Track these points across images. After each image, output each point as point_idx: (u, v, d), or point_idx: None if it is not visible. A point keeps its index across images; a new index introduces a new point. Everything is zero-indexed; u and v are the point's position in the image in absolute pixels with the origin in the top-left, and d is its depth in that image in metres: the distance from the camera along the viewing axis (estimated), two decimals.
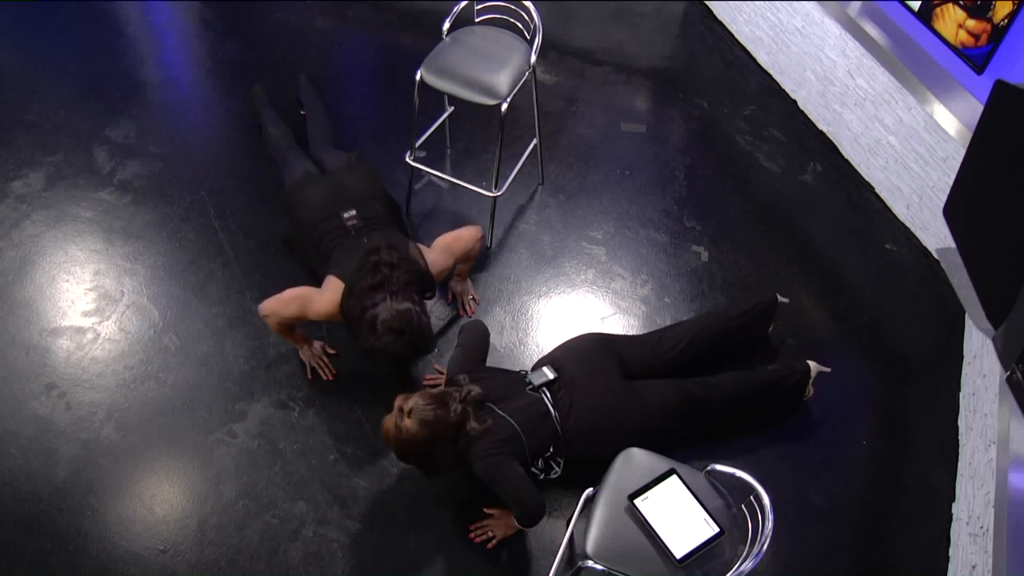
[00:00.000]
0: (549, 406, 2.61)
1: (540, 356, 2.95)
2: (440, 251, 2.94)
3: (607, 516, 2.26)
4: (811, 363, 2.94)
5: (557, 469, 2.66)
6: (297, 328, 2.92)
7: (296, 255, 3.25)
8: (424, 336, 2.68)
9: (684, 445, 2.83)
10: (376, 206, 3.04)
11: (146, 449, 2.80)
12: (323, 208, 2.98)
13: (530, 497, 2.45)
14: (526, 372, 2.74)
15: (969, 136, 2.85)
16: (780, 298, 3.09)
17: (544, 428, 2.58)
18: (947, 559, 2.61)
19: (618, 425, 2.65)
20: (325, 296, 2.78)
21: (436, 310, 3.21)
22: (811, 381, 2.94)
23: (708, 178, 3.76)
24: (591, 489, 2.45)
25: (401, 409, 2.42)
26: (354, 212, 2.95)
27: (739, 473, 2.26)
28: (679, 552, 2.19)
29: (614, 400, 2.67)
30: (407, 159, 3.38)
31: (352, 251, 2.81)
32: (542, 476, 2.64)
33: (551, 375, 2.69)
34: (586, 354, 2.77)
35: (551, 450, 2.60)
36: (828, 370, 2.96)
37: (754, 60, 4.24)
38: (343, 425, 2.89)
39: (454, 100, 3.43)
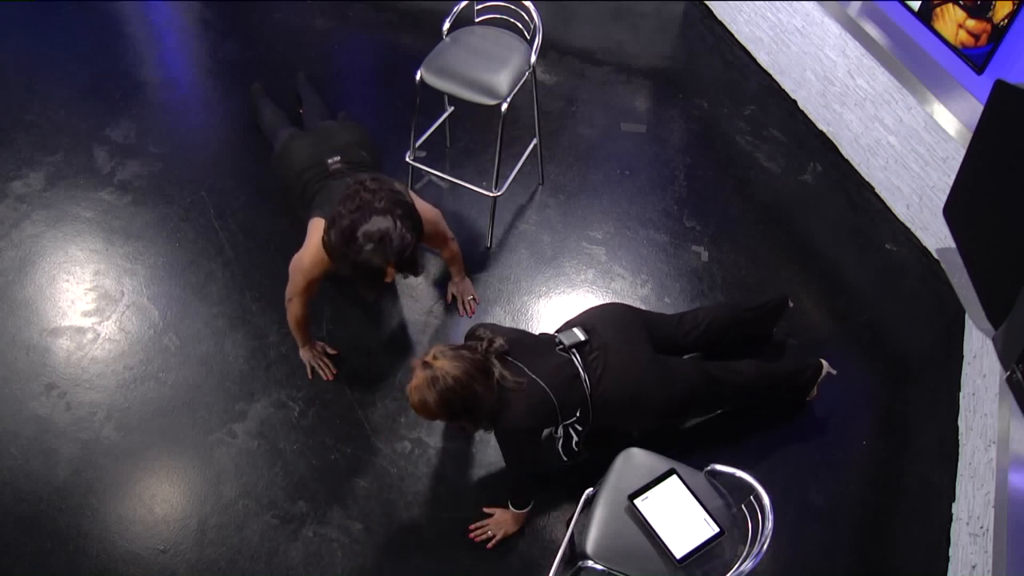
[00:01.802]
0: (579, 368, 2.53)
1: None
2: (429, 207, 2.84)
3: (607, 516, 2.26)
4: (824, 362, 2.95)
5: (575, 437, 2.59)
6: (305, 325, 2.90)
7: (290, 221, 3.09)
8: (406, 245, 2.45)
9: (684, 445, 2.83)
10: (363, 154, 2.95)
11: (146, 449, 2.80)
12: (307, 158, 2.89)
13: (528, 480, 2.54)
14: (554, 334, 2.65)
15: (969, 136, 2.85)
16: (789, 302, 3.11)
17: (573, 392, 2.50)
18: (947, 559, 2.61)
19: (647, 396, 2.60)
20: (311, 241, 2.65)
21: (436, 310, 3.21)
22: (819, 382, 2.95)
23: (708, 178, 3.76)
24: (591, 489, 2.45)
25: (426, 362, 2.29)
26: (338, 158, 2.86)
27: (739, 473, 2.26)
28: (679, 552, 2.19)
29: (647, 370, 2.61)
30: (407, 159, 3.38)
31: (335, 190, 2.67)
32: (560, 443, 2.60)
33: (583, 336, 2.59)
34: (619, 321, 2.69)
35: (577, 415, 2.52)
36: (835, 372, 2.97)
37: (754, 60, 4.24)
38: (343, 425, 2.89)
39: (454, 100, 3.43)
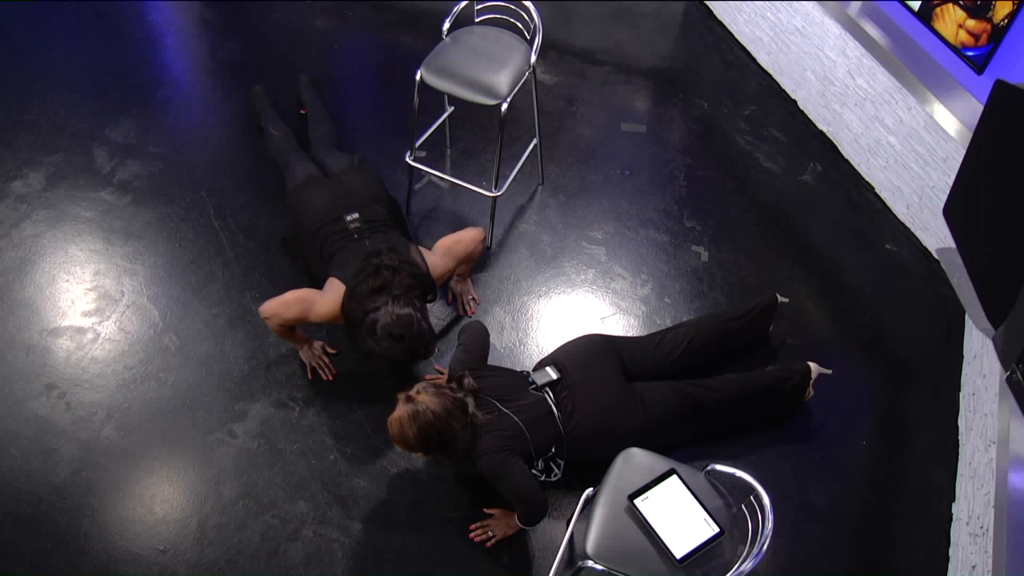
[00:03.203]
0: (552, 406, 2.62)
1: (540, 356, 2.95)
2: (441, 254, 2.94)
3: (607, 516, 2.26)
4: (812, 364, 2.94)
5: (557, 471, 2.66)
6: (297, 329, 2.92)
7: (297, 255, 3.25)
8: (423, 342, 2.68)
9: (684, 446, 2.83)
10: (379, 209, 3.04)
11: (146, 449, 2.80)
12: (326, 211, 2.98)
13: (534, 494, 2.47)
14: (528, 372, 2.74)
15: (969, 136, 2.85)
16: (780, 298, 3.09)
17: (547, 428, 2.59)
18: (947, 559, 2.61)
19: (619, 428, 2.65)
20: (327, 298, 2.78)
21: (436, 310, 3.21)
22: (811, 383, 2.94)
23: (708, 178, 3.76)
24: (591, 489, 2.45)
25: (409, 396, 2.41)
26: (357, 215, 2.95)
27: (739, 473, 2.26)
28: (679, 552, 2.19)
29: (616, 402, 2.67)
30: (407, 159, 3.38)
31: (354, 253, 2.82)
32: (542, 478, 2.64)
33: (554, 375, 2.69)
34: (589, 356, 2.77)
35: (553, 450, 2.61)
36: (829, 372, 2.96)
37: (754, 60, 4.24)
38: (343, 425, 2.90)
39: (454, 100, 3.43)
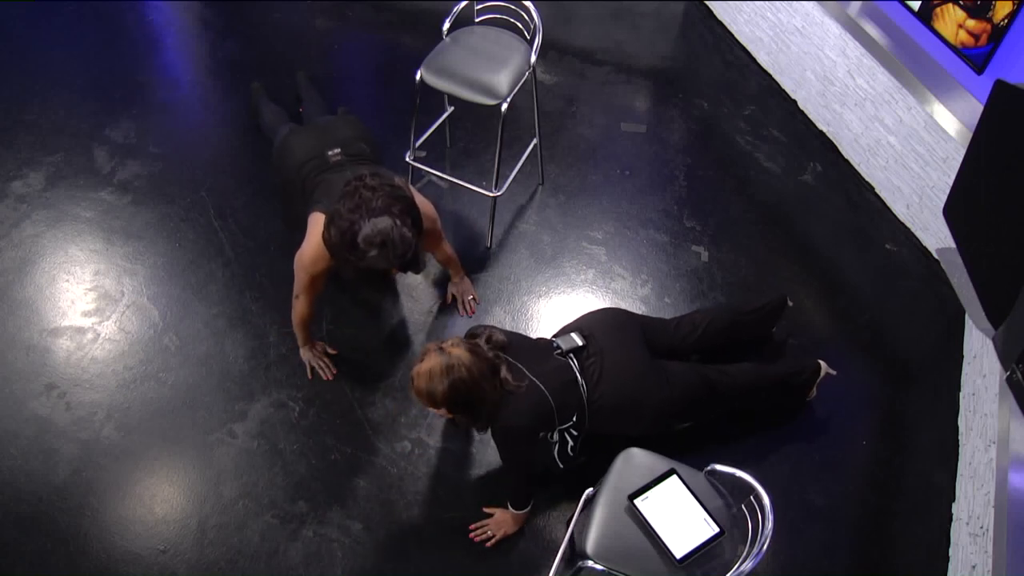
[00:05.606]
0: (576, 373, 2.54)
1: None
2: (427, 202, 2.83)
3: (607, 516, 2.26)
4: (822, 363, 2.95)
5: (571, 442, 2.60)
6: (308, 324, 2.90)
7: (288, 220, 3.06)
8: (408, 246, 2.47)
9: (684, 446, 2.83)
10: (362, 146, 2.93)
11: (146, 449, 2.80)
12: (308, 150, 2.87)
13: (527, 478, 2.54)
14: (552, 339, 2.66)
15: (969, 136, 2.85)
16: (789, 301, 3.10)
17: (571, 396, 2.50)
18: (947, 559, 2.61)
19: (644, 400, 2.61)
20: (311, 236, 2.64)
21: (436, 310, 3.21)
22: (817, 382, 2.94)
23: (708, 178, 3.76)
24: (591, 489, 2.45)
25: (441, 348, 2.28)
26: (339, 150, 2.84)
27: (739, 473, 2.26)
28: (679, 552, 2.19)
29: (643, 375, 2.62)
30: (407, 159, 3.38)
31: (335, 184, 2.65)
32: (555, 450, 2.59)
33: (580, 341, 2.60)
34: (616, 326, 2.70)
35: (573, 419, 2.53)
36: (835, 373, 2.97)
37: (754, 60, 4.24)
38: (343, 425, 2.90)
39: (454, 100, 3.43)
